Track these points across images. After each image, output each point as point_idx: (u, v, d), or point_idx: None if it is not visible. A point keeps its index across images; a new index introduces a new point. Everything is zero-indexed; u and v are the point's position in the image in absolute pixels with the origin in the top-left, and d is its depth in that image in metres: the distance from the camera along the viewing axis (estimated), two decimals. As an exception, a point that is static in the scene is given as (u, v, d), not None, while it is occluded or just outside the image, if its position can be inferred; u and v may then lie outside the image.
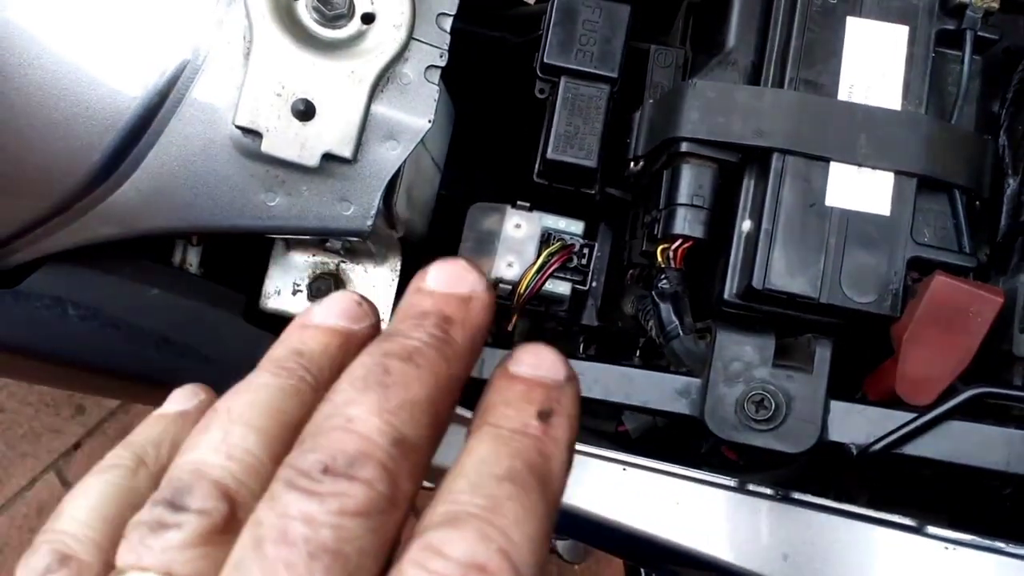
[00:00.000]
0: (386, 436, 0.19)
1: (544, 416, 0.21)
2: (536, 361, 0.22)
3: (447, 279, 0.22)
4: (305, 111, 0.42)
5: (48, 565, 0.20)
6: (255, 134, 0.42)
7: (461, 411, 0.46)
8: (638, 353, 0.56)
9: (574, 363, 0.49)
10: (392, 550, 0.18)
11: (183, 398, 0.25)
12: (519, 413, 0.21)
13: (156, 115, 0.43)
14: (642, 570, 0.81)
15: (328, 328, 0.23)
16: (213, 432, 0.20)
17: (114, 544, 0.20)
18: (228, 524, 0.19)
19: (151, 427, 0.24)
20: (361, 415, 0.19)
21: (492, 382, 0.22)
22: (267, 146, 0.42)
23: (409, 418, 0.19)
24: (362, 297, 0.24)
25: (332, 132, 0.42)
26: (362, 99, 0.43)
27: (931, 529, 0.39)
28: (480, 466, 0.19)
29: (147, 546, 0.18)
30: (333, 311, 0.23)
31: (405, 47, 0.44)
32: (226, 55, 0.43)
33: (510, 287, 0.54)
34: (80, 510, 0.21)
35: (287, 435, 0.20)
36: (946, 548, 0.39)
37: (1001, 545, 0.38)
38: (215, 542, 0.18)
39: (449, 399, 0.21)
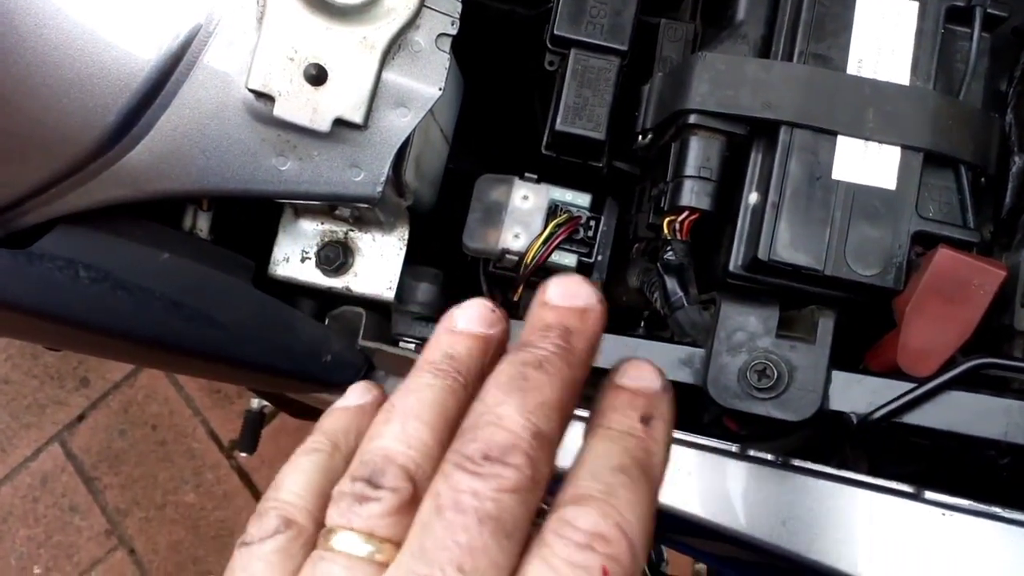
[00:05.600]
0: (528, 431, 0.24)
1: (646, 420, 0.26)
2: (638, 374, 0.27)
3: (565, 293, 0.27)
4: (317, 76, 0.42)
5: (277, 527, 0.26)
6: (267, 98, 0.42)
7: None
8: (642, 324, 0.57)
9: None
10: (533, 520, 0.24)
11: (360, 393, 0.30)
12: (626, 418, 0.26)
13: (169, 78, 0.43)
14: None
15: (471, 334, 0.27)
16: (394, 425, 0.25)
17: (321, 511, 0.26)
18: (412, 498, 0.24)
19: (338, 419, 0.29)
20: (508, 413, 0.24)
21: (603, 391, 0.27)
22: (279, 110, 0.42)
23: (544, 416, 0.24)
24: (494, 304, 0.28)
25: (344, 97, 0.43)
26: (374, 65, 0.43)
27: (928, 495, 0.40)
28: (597, 460, 0.25)
29: (355, 513, 0.24)
30: (474, 318, 0.28)
31: (417, 14, 0.44)
32: (239, 19, 0.43)
33: (516, 258, 0.54)
34: (296, 484, 0.27)
35: (449, 426, 0.25)
36: (943, 514, 0.40)
37: (997, 510, 0.39)
38: (404, 512, 0.24)
39: (574, 397, 0.26)
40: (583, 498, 0.23)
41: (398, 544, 0.23)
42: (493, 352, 0.27)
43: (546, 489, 0.24)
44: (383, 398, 0.30)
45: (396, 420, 0.25)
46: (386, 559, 0.23)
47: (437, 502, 0.23)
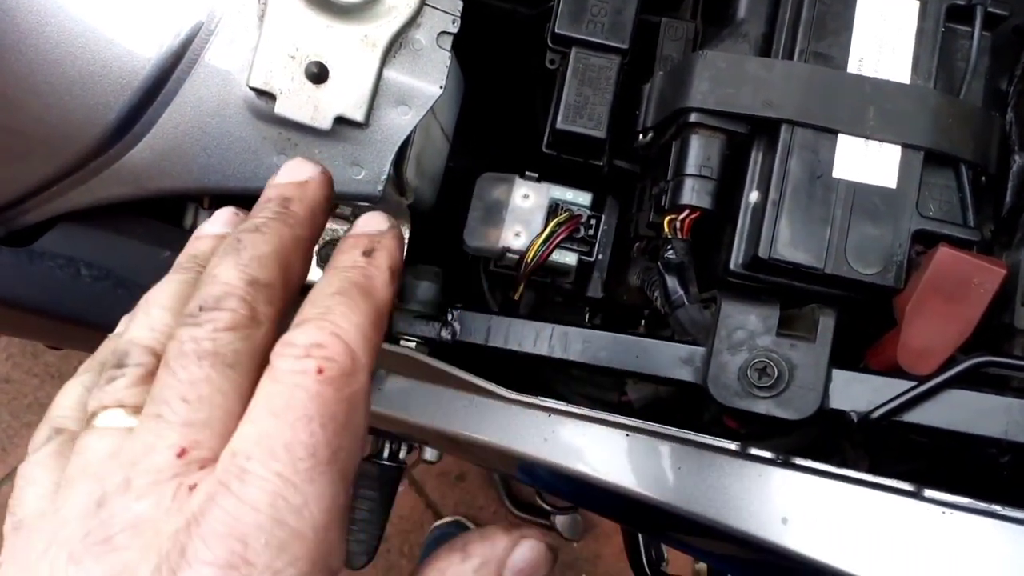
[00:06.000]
0: (242, 279, 0.27)
1: (368, 253, 0.29)
2: (363, 221, 0.30)
3: (288, 173, 0.30)
4: (318, 74, 0.42)
5: (48, 435, 0.28)
6: (269, 96, 0.42)
7: (458, 372, 0.47)
8: (643, 323, 0.57)
9: (580, 331, 0.50)
10: (265, 356, 0.26)
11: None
12: (348, 255, 0.29)
13: (170, 76, 0.43)
14: (640, 538, 0.82)
15: (214, 235, 0.31)
16: (139, 316, 0.29)
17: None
18: (156, 368, 0.26)
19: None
20: (222, 271, 0.27)
21: (337, 246, 0.30)
22: (280, 108, 0.42)
23: (259, 266, 0.27)
24: (239, 209, 0.31)
25: (345, 95, 0.43)
26: (375, 63, 0.43)
27: (928, 493, 0.40)
28: (318, 290, 0.27)
29: (105, 392, 0.27)
30: (218, 222, 0.31)
31: (418, 12, 0.44)
32: (240, 17, 0.43)
33: (517, 256, 0.54)
34: (68, 400, 0.29)
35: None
36: (943, 512, 0.40)
37: (998, 508, 0.39)
38: (148, 381, 0.26)
39: (297, 251, 0.29)
40: (302, 323, 0.26)
41: None
42: None
43: (274, 330, 0.27)
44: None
45: (139, 312, 0.28)
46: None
47: (165, 359, 0.26)
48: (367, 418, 0.26)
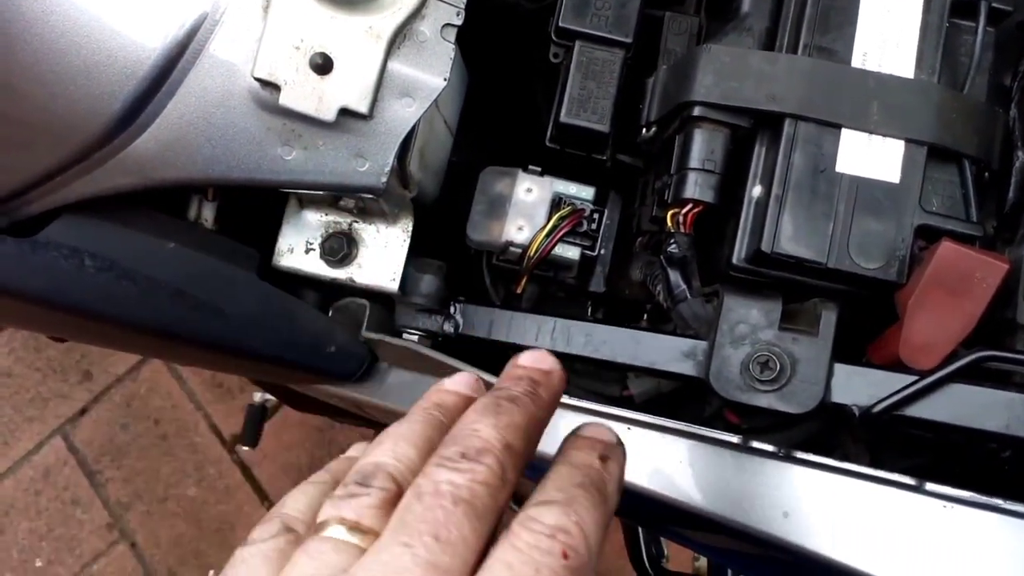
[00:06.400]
0: (499, 441, 0.28)
1: (603, 459, 0.31)
2: (596, 429, 0.33)
3: (535, 360, 0.33)
4: (323, 65, 0.42)
5: (278, 530, 0.29)
6: (273, 87, 0.42)
7: (460, 365, 0.47)
8: (645, 317, 0.57)
9: (582, 325, 0.50)
10: (500, 519, 0.27)
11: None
12: (587, 455, 0.31)
13: (175, 66, 0.43)
14: (641, 534, 0.82)
15: (456, 392, 0.33)
16: (386, 445, 0.30)
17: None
18: (396, 497, 0.27)
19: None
20: (483, 428, 0.29)
21: (571, 441, 0.32)
22: (285, 99, 0.42)
23: (513, 433, 0.29)
24: (479, 376, 0.34)
25: (349, 87, 0.43)
26: (379, 55, 0.43)
27: (929, 487, 0.40)
28: (561, 479, 0.29)
29: (345, 504, 0.27)
30: (462, 383, 0.34)
31: (423, 4, 0.44)
32: (245, 8, 0.43)
33: (520, 250, 0.54)
34: (298, 502, 0.31)
35: (432, 449, 0.29)
36: (944, 506, 0.40)
37: (999, 502, 0.39)
38: (388, 508, 0.27)
39: (536, 429, 0.31)
40: (548, 502, 0.27)
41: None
42: None
43: (511, 494, 0.28)
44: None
45: (387, 441, 0.30)
46: (370, 547, 0.26)
47: (418, 491, 0.27)
48: None
